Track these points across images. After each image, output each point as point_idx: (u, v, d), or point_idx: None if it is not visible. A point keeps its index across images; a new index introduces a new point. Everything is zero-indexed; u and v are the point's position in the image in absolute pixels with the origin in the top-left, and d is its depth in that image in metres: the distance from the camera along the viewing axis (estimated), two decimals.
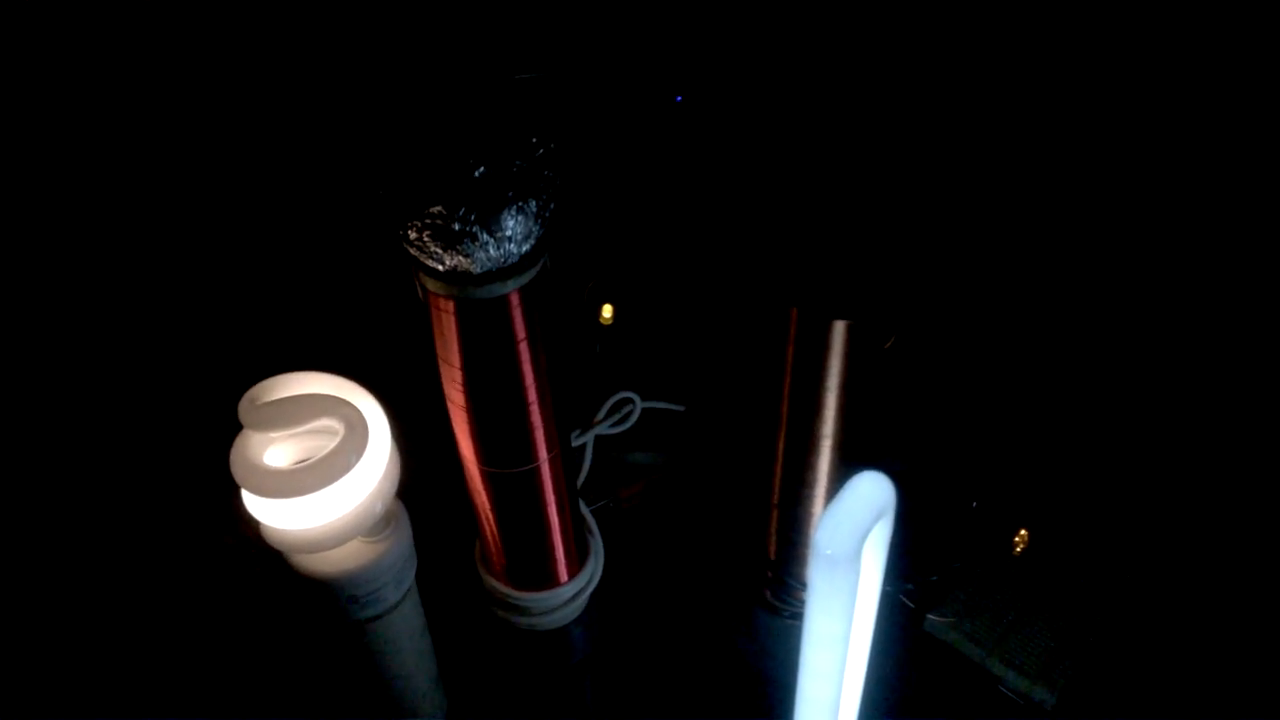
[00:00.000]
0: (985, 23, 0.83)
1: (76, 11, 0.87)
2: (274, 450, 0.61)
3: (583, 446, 0.92)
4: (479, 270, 0.57)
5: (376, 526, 0.65)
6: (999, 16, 0.83)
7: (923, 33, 0.81)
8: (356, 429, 0.60)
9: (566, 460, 0.72)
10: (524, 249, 0.58)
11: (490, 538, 0.75)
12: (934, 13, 0.82)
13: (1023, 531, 0.85)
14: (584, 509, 0.81)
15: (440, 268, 0.58)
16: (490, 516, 0.73)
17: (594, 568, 0.80)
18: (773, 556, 0.79)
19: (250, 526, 0.63)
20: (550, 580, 0.77)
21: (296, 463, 0.61)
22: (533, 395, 0.65)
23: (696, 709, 0.80)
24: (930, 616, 0.81)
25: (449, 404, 0.67)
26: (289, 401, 0.61)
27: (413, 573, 0.69)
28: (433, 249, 0.56)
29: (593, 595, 0.81)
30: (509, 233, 0.56)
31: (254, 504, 0.61)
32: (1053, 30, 0.84)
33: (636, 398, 0.95)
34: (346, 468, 0.60)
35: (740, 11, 0.88)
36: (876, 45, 0.80)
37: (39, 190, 0.93)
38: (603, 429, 0.94)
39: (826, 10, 0.82)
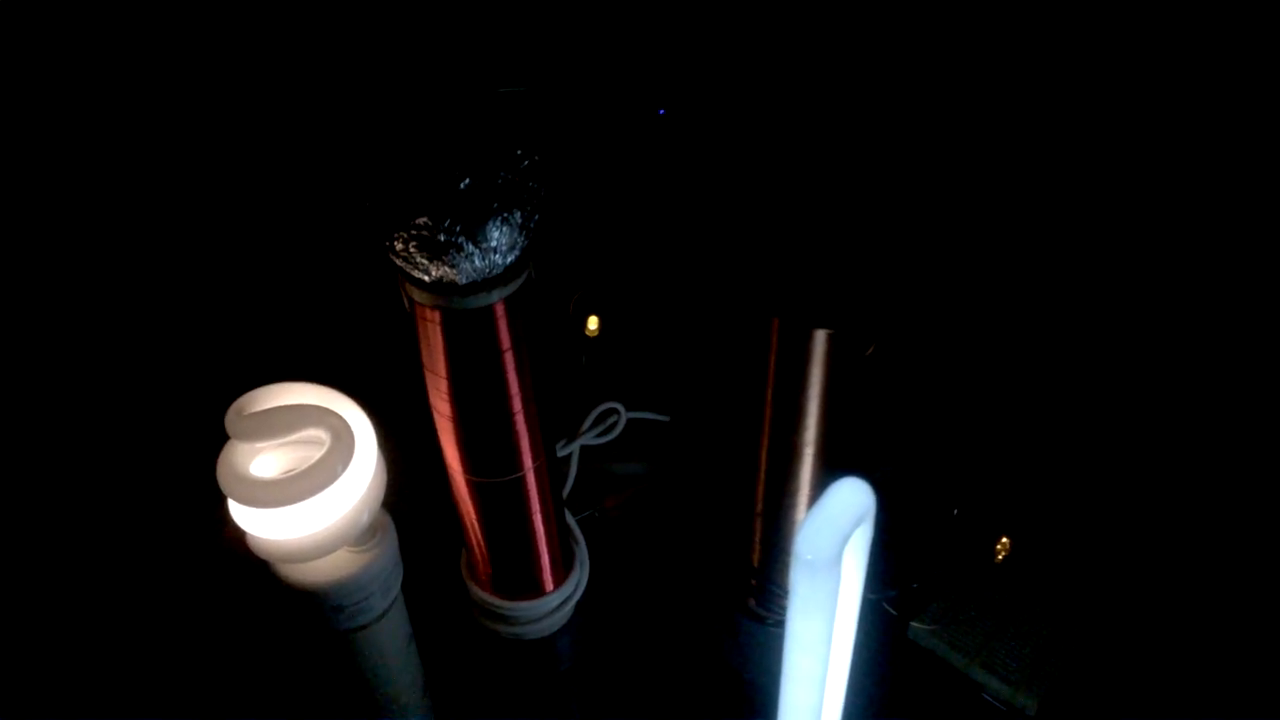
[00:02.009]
0: (958, 41, 0.84)
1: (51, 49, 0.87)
2: (260, 460, 0.61)
3: (568, 456, 0.93)
4: (464, 281, 0.58)
5: (363, 536, 0.65)
6: (969, 36, 0.84)
7: (900, 47, 0.82)
8: (343, 439, 0.61)
9: (552, 470, 0.73)
10: (509, 260, 0.59)
11: (476, 547, 0.75)
12: (911, 28, 0.83)
13: (1004, 539, 0.85)
14: (569, 518, 0.81)
15: (426, 278, 0.58)
16: (476, 526, 0.73)
17: (579, 577, 0.81)
18: (756, 564, 0.79)
19: (237, 536, 0.63)
20: (536, 589, 0.78)
21: (283, 473, 0.61)
22: (518, 405, 0.66)
23: (682, 716, 0.80)
24: (913, 624, 0.81)
25: (435, 414, 0.68)
26: (275, 412, 0.61)
27: (399, 582, 0.69)
28: (418, 260, 0.57)
29: (578, 604, 0.81)
30: (494, 244, 0.57)
31: (241, 514, 0.61)
32: (1022, 51, 0.85)
33: (621, 408, 0.95)
34: (333, 478, 0.60)
35: (722, 25, 0.89)
36: (855, 58, 0.81)
37: (29, 202, 0.93)
38: (588, 439, 0.94)
39: (807, 24, 0.83)
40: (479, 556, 0.76)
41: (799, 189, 0.68)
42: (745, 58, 0.88)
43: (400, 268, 0.59)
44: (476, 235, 0.56)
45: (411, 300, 0.61)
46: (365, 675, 0.71)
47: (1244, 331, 0.89)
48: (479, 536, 0.74)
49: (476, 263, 0.57)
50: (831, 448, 0.68)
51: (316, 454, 0.60)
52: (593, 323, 1.00)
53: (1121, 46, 0.84)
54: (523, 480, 0.70)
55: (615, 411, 0.95)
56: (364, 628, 0.67)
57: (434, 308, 0.60)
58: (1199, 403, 0.90)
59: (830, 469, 0.69)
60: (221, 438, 0.60)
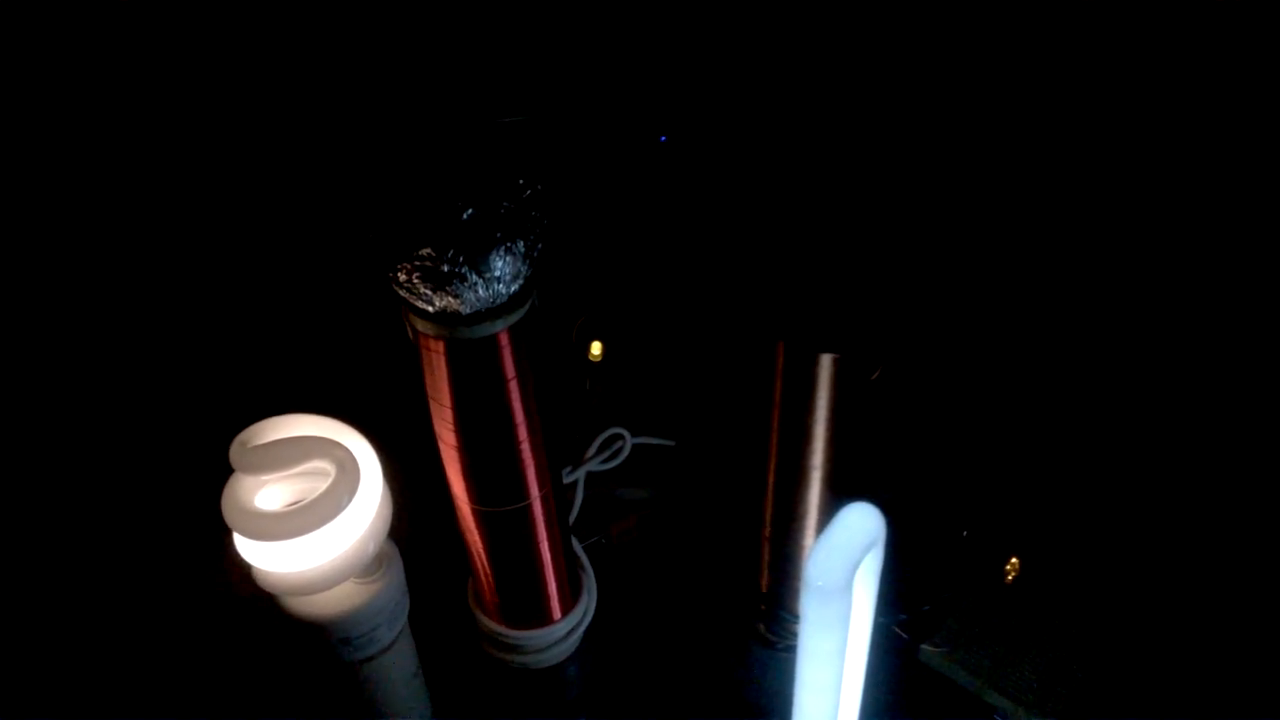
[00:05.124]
0: (957, 64, 0.84)
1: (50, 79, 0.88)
2: (265, 493, 0.61)
3: (574, 483, 0.92)
4: (468, 311, 0.58)
5: (369, 568, 0.65)
6: (968, 58, 0.84)
7: (900, 69, 0.83)
8: (348, 470, 0.61)
9: (558, 497, 0.72)
10: (512, 289, 0.59)
11: (483, 576, 0.75)
12: (915, 54, 0.83)
13: (1014, 559, 0.85)
14: (576, 546, 0.81)
15: (430, 309, 0.58)
16: (482, 555, 0.73)
17: (587, 604, 0.80)
18: (765, 589, 0.79)
19: (241, 570, 0.63)
20: (543, 618, 0.77)
21: (288, 505, 0.61)
22: (523, 433, 0.65)
23: None
24: (924, 647, 0.81)
25: (440, 443, 0.67)
26: (280, 444, 0.61)
27: (405, 613, 0.69)
28: (422, 290, 0.57)
29: (586, 632, 0.81)
30: (497, 273, 0.57)
31: (246, 547, 0.61)
32: (1023, 74, 0.85)
33: (626, 433, 0.95)
34: (338, 509, 0.60)
35: (723, 51, 0.90)
36: (857, 81, 0.81)
37: (35, 223, 0.94)
38: (593, 465, 0.94)
39: (808, 48, 0.83)
40: (486, 586, 0.75)
41: (803, 213, 0.68)
42: (746, 83, 0.88)
43: (404, 298, 0.59)
44: (480, 265, 0.56)
45: (415, 330, 0.61)
46: (373, 707, 0.70)
47: (1253, 350, 0.89)
48: (485, 566, 0.74)
49: (480, 292, 0.57)
50: (839, 471, 0.67)
51: (322, 486, 0.60)
52: (596, 348, 1.00)
53: (1122, 60, 0.84)
54: (529, 509, 0.70)
55: (620, 437, 0.95)
56: (371, 659, 0.67)
57: (438, 338, 0.60)
58: (1210, 421, 0.90)
59: (838, 493, 0.68)
60: (225, 471, 0.60)
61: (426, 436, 0.68)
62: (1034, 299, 0.95)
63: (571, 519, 0.90)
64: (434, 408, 0.65)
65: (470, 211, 0.55)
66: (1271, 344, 0.88)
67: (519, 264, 0.58)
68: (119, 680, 0.82)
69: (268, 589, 0.63)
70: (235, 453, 0.60)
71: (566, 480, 0.92)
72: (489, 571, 0.74)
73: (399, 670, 0.70)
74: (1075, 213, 0.91)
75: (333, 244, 0.92)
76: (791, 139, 0.76)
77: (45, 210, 0.94)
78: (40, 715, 0.80)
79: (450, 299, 0.57)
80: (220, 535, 0.61)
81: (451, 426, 0.65)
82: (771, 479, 0.71)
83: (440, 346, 0.60)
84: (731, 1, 0.88)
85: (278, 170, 0.96)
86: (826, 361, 0.62)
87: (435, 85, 0.76)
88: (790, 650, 0.76)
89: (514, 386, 0.63)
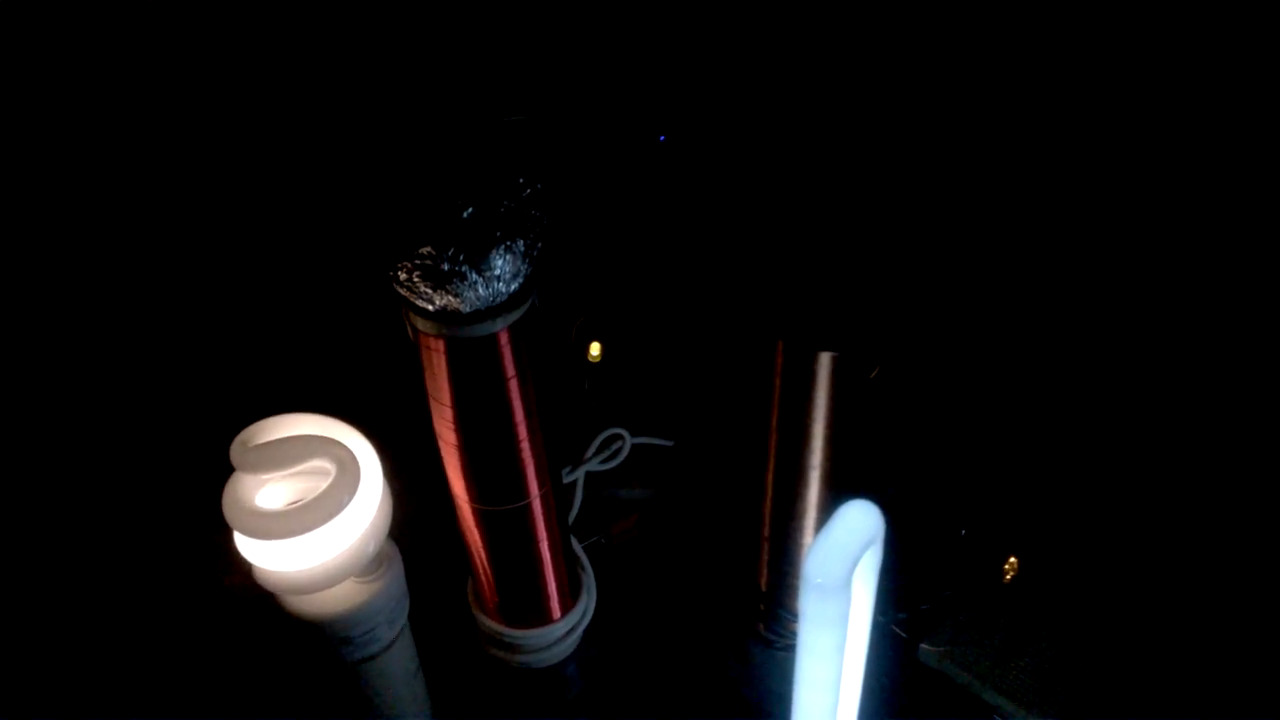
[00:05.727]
0: (955, 64, 0.84)
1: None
2: (266, 492, 0.61)
3: (573, 483, 0.93)
4: (468, 309, 0.58)
5: (369, 567, 0.65)
6: (968, 63, 0.84)
7: (897, 68, 0.83)
8: (348, 469, 0.61)
9: (557, 497, 0.73)
10: (512, 288, 0.59)
11: (483, 576, 0.75)
12: (911, 56, 0.83)
13: (1012, 559, 0.85)
14: (576, 545, 0.81)
15: (430, 307, 0.58)
16: (482, 554, 0.73)
17: (587, 604, 0.81)
18: (764, 588, 0.79)
19: (242, 568, 0.63)
20: (543, 617, 0.77)
21: (289, 504, 0.61)
22: (523, 432, 0.65)
23: None
24: (923, 646, 0.81)
25: (440, 442, 0.68)
26: (281, 443, 0.61)
27: (405, 613, 0.69)
28: (422, 289, 0.57)
29: (586, 631, 0.81)
30: (497, 272, 0.57)
31: (246, 546, 0.61)
32: (1019, 73, 0.86)
33: (626, 434, 0.95)
34: (338, 508, 0.60)
35: (721, 51, 0.90)
36: (855, 81, 0.81)
37: (37, 225, 0.94)
38: (593, 465, 0.94)
39: (806, 47, 0.83)
40: (486, 585, 0.76)
41: (802, 212, 0.68)
42: (745, 83, 0.88)
43: (404, 297, 0.59)
44: (480, 264, 0.56)
45: (415, 329, 0.61)
46: (372, 706, 0.70)
47: (1250, 347, 0.89)
48: (485, 565, 0.74)
49: (480, 291, 0.57)
50: (838, 470, 0.67)
51: (322, 485, 0.60)
52: (595, 349, 1.01)
53: (1121, 56, 0.85)
54: (528, 508, 0.70)
55: (620, 437, 0.95)
56: (371, 659, 0.67)
57: (438, 336, 0.60)
58: (1206, 418, 0.90)
59: (837, 491, 0.69)
60: (226, 470, 0.60)
61: (426, 436, 0.68)
62: (1032, 298, 0.95)
63: (571, 519, 0.90)
64: (434, 407, 0.65)
65: (470, 210, 0.56)
66: (1271, 344, 0.88)
67: (519, 263, 0.58)
68: (119, 680, 0.82)
69: (268, 587, 0.63)
70: (236, 452, 0.60)
71: (566, 480, 0.92)
72: (489, 571, 0.74)
73: (399, 669, 0.70)
74: (1073, 212, 0.91)
75: (333, 243, 0.92)
76: (789, 139, 0.77)
77: (46, 210, 0.94)
78: (40, 715, 0.80)
79: (450, 298, 0.57)
80: (221, 534, 0.61)
81: (451, 425, 0.65)
82: (770, 478, 0.71)
83: (440, 345, 0.60)
84: (731, 2, 0.89)
85: (279, 170, 0.96)
86: (825, 360, 0.62)
87: (436, 85, 0.76)
88: (790, 649, 0.76)
89: (514, 385, 0.63)
